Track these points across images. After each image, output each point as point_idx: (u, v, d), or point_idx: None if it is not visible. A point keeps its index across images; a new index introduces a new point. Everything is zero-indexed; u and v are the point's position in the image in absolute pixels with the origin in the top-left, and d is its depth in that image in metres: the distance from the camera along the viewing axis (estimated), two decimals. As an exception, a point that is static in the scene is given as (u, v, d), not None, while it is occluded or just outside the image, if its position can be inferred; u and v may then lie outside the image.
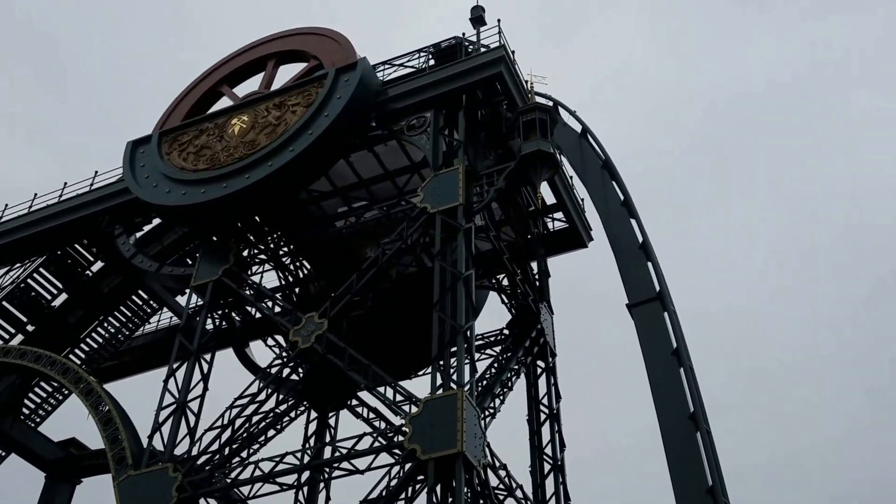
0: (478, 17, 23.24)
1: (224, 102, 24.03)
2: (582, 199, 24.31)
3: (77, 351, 25.13)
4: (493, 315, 24.65)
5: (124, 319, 25.37)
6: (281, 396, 20.31)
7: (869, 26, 72.34)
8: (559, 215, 24.13)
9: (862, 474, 50.84)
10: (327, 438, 23.47)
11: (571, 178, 23.76)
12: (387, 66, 23.00)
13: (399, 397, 16.93)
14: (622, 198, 19.87)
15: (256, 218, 22.41)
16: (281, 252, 23.50)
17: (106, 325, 25.20)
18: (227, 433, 18.44)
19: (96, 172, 24.83)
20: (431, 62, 22.58)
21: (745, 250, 65.22)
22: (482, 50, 21.85)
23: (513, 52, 21.72)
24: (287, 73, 23.98)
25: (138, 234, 24.02)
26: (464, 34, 22.98)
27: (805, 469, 51.82)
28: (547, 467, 20.13)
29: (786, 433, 53.67)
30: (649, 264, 18.33)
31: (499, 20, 22.21)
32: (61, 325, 24.96)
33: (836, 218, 64.50)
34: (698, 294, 55.49)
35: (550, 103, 21.63)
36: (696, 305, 53.08)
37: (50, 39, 78.15)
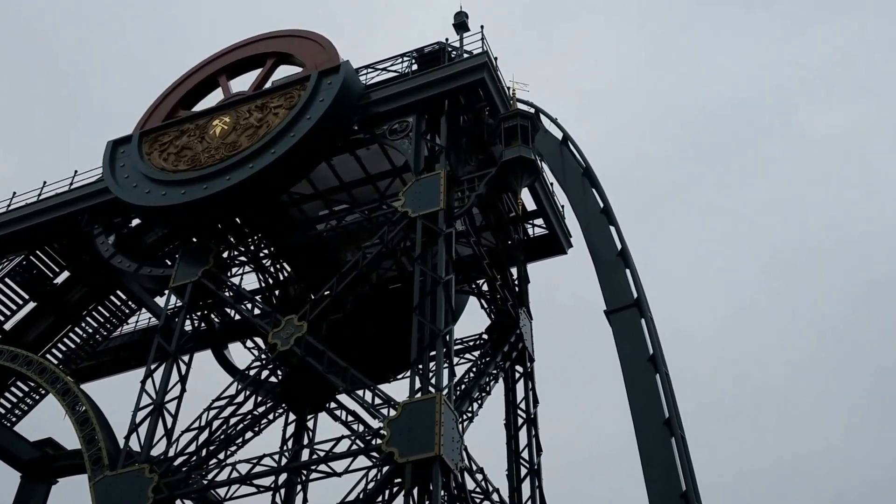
0: (461, 23, 23.29)
1: (204, 104, 24.01)
2: (562, 206, 24.48)
3: (54, 351, 24.99)
4: (473, 320, 24.77)
5: (102, 320, 25.25)
6: (259, 398, 20.33)
7: (856, 35, 73.06)
8: (539, 222, 24.26)
9: (862, 476, 51.34)
10: (305, 441, 23.46)
11: (552, 184, 23.92)
12: (370, 70, 23.04)
13: (377, 400, 17.00)
14: (602, 205, 20.05)
15: (237, 220, 22.40)
16: (261, 254, 23.49)
17: (83, 325, 25.07)
18: (205, 435, 18.44)
19: (76, 172, 24.78)
20: (414, 67, 22.62)
21: (735, 258, 65.48)
22: (465, 56, 21.94)
23: (496, 59, 21.85)
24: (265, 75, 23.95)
25: (117, 235, 23.88)
26: (447, 40, 23.08)
27: (810, 472, 52.30)
28: (524, 471, 20.24)
29: (792, 438, 54.20)
30: (627, 271, 18.51)
31: (482, 26, 22.32)
32: (35, 327, 24.83)
33: (833, 223, 65.17)
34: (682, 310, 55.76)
35: (532, 110, 21.80)
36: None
37: (32, 32, 77.65)
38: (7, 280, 24.37)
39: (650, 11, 79.66)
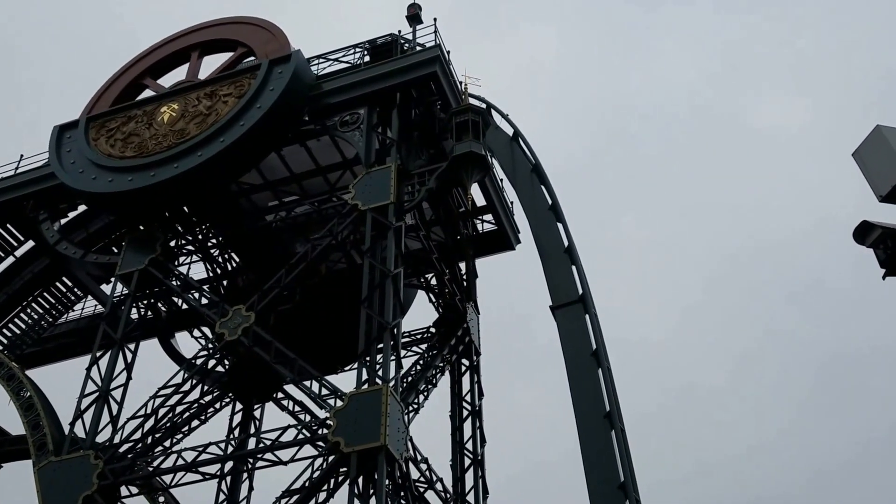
0: (414, 16, 23.38)
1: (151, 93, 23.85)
2: (511, 202, 24.76)
3: (-1, 336, 24.70)
4: (421, 313, 24.99)
5: (48, 306, 24.97)
6: (206, 387, 20.33)
7: (774, 30, 74.35)
8: (489, 217, 24.52)
9: (805, 467, 52.59)
10: (252, 430, 23.51)
11: (502, 180, 24.18)
12: (321, 61, 22.99)
13: (325, 391, 17.14)
14: (550, 202, 20.31)
15: (185, 208, 22.29)
16: (209, 244, 23.41)
17: (29, 311, 24.77)
18: (150, 422, 18.42)
19: (21, 156, 24.44)
20: (367, 59, 22.67)
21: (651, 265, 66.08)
22: (418, 49, 22.06)
23: (448, 52, 22.01)
24: (215, 61, 23.89)
25: (63, 221, 23.65)
26: (399, 31, 23.14)
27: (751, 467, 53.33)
28: (467, 462, 20.55)
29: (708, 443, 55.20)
30: (573, 268, 18.79)
31: (435, 19, 22.40)
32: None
33: (747, 230, 66.20)
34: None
35: (484, 105, 22.02)
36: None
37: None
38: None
39: (589, 3, 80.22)
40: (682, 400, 57.32)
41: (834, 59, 72.32)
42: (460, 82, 22.20)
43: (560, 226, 19.59)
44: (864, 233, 10.50)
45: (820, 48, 73.23)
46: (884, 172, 10.43)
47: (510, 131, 22.62)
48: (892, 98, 65.84)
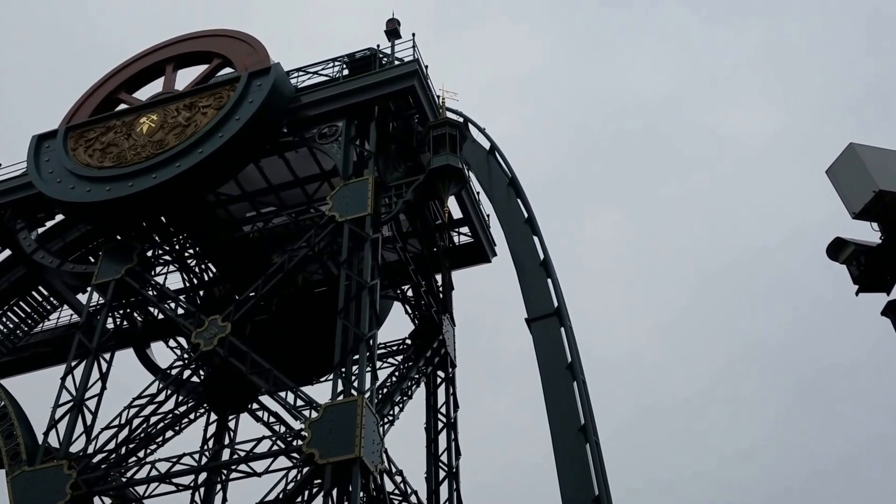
0: (392, 31, 23.63)
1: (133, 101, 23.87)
2: (487, 215, 24.93)
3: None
4: (397, 325, 25.07)
5: (24, 315, 24.84)
6: (181, 398, 20.29)
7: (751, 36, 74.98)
8: (465, 230, 24.69)
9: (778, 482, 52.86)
10: (226, 441, 23.46)
11: (478, 193, 24.36)
12: (300, 73, 23.19)
13: (300, 402, 17.19)
14: (526, 215, 20.42)
15: (162, 218, 22.32)
16: (186, 254, 23.43)
17: (4, 319, 24.63)
18: (125, 432, 18.39)
19: (-1, 165, 24.39)
20: (345, 72, 22.84)
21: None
22: (396, 63, 22.25)
23: (426, 67, 22.21)
24: (192, 74, 23.98)
25: (41, 230, 23.57)
26: (378, 46, 23.34)
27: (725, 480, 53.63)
28: (442, 474, 20.61)
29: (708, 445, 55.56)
30: (549, 281, 18.89)
31: (413, 34, 22.69)
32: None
33: (725, 240, 66.62)
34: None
35: (461, 119, 22.19)
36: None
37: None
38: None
39: (559, 8, 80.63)
40: (653, 412, 57.63)
41: (808, 66, 73.18)
42: (438, 96, 22.40)
43: (536, 239, 19.67)
44: (838, 249, 10.70)
45: (794, 55, 74.05)
46: (856, 190, 10.64)
47: (487, 145, 22.77)
48: (868, 104, 66.88)
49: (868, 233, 10.59)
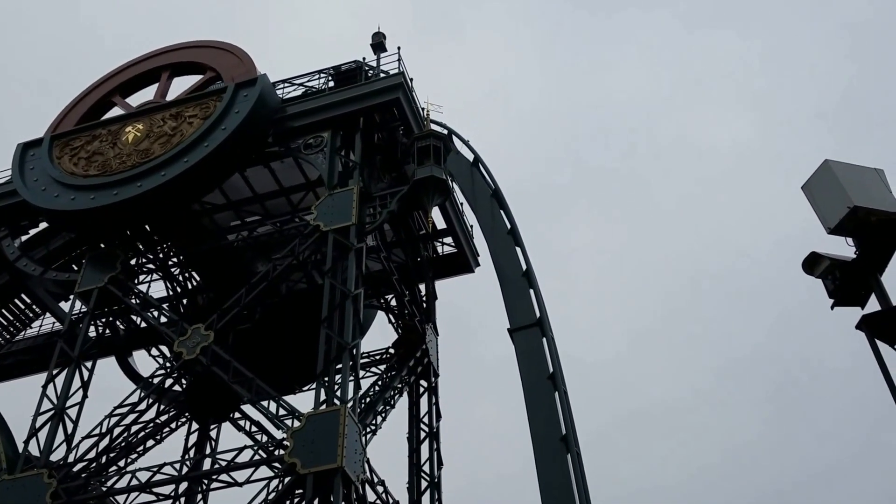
0: (378, 44, 23.81)
1: (118, 111, 23.89)
2: (471, 226, 25.09)
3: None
4: (380, 334, 25.15)
5: (6, 323, 24.77)
6: (162, 407, 20.27)
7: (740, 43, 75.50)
8: (448, 240, 24.82)
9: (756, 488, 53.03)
10: (208, 450, 23.40)
11: (462, 204, 24.51)
12: (287, 85, 23.30)
13: (282, 411, 17.17)
14: (509, 226, 20.60)
15: (147, 227, 22.31)
16: (170, 262, 23.42)
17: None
18: (105, 441, 18.34)
19: (-17, 173, 24.30)
20: (331, 84, 22.96)
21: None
22: (381, 76, 22.40)
23: (411, 80, 22.37)
24: (182, 84, 24.09)
25: (24, 238, 23.54)
26: (364, 59, 23.47)
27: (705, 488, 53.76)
28: (424, 484, 20.63)
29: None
30: (531, 291, 19.03)
31: (399, 48, 22.93)
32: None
33: (705, 249, 66.92)
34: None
35: (445, 131, 22.36)
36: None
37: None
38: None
39: (542, 18, 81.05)
40: (636, 417, 57.84)
41: (786, 74, 73.82)
42: (422, 108, 22.55)
43: (518, 250, 19.85)
44: (813, 264, 10.86)
45: (769, 66, 74.68)
46: (831, 206, 10.83)
47: (471, 157, 22.96)
48: (843, 115, 67.47)
49: (844, 247, 10.76)
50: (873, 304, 10.81)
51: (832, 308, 11.15)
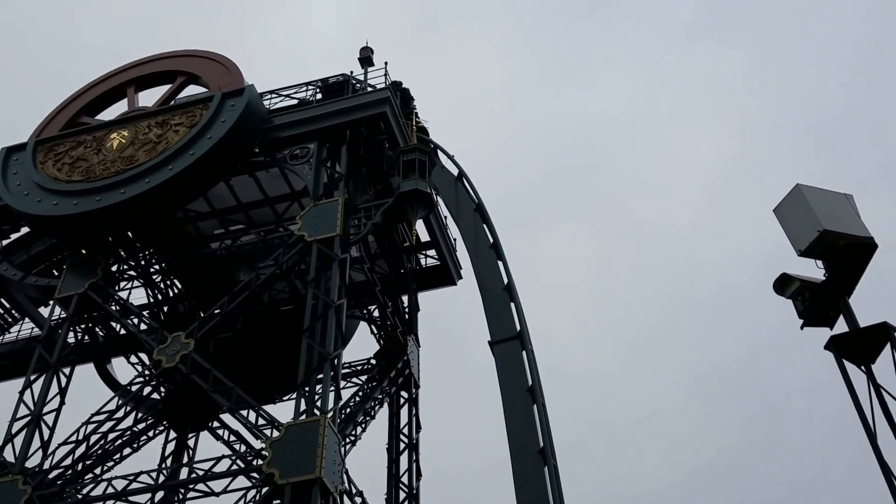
0: (366, 58, 24.02)
1: (103, 116, 23.89)
2: (454, 239, 25.19)
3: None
4: (362, 344, 25.14)
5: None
6: (140, 415, 20.17)
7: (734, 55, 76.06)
8: (432, 253, 24.91)
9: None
10: (185, 459, 23.28)
11: (446, 218, 24.60)
12: (274, 96, 23.38)
13: (262, 421, 17.13)
14: (491, 240, 20.70)
15: (129, 234, 22.27)
16: (151, 269, 23.37)
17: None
18: (82, 449, 18.22)
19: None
20: (318, 96, 23.07)
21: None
22: (368, 89, 22.54)
23: (398, 94, 22.51)
24: (159, 94, 24.07)
25: (5, 242, 23.42)
26: (352, 72, 23.65)
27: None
28: (402, 495, 20.61)
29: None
30: (512, 305, 19.12)
31: (386, 63, 23.26)
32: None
33: (693, 260, 67.16)
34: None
35: (431, 146, 22.50)
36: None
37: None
38: None
39: (525, 29, 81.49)
40: (613, 427, 57.92)
41: (770, 93, 74.45)
42: (425, 122, 22.82)
43: (501, 264, 19.94)
44: (784, 285, 11.04)
45: (754, 82, 75.30)
46: (802, 229, 11.03)
47: (455, 171, 23.08)
48: (829, 131, 68.12)
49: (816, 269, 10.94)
50: (841, 326, 11.01)
51: (801, 328, 11.31)
